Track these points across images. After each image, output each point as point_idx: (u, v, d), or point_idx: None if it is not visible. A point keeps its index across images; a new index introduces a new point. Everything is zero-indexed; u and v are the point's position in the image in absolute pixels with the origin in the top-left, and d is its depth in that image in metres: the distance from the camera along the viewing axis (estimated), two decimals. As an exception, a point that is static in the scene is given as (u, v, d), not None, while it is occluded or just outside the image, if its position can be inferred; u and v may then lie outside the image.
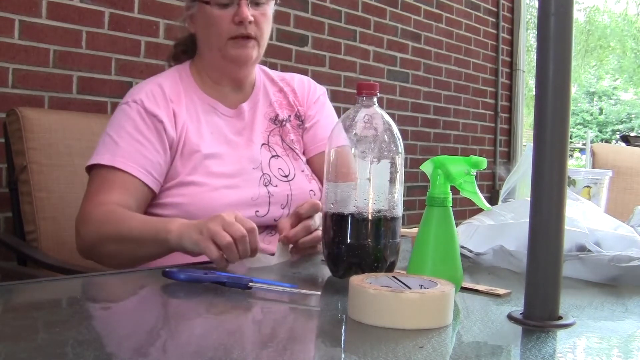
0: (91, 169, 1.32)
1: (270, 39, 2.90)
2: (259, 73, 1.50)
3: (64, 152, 1.75)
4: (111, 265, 1.25)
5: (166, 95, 1.35)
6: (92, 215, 1.24)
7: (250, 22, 1.34)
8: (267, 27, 1.39)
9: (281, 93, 1.49)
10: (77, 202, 1.74)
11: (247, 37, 1.35)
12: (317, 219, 1.14)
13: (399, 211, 0.96)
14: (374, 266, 0.94)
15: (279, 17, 2.91)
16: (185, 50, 1.48)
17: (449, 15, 3.99)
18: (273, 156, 1.41)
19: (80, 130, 1.81)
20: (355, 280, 0.76)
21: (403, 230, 1.09)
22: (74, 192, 1.74)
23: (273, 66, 2.81)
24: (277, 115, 1.46)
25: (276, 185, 1.37)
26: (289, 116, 1.48)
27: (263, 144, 1.41)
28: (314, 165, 1.46)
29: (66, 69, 2.14)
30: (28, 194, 1.70)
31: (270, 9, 1.40)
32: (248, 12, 1.33)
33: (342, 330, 0.75)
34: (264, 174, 1.37)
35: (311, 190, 1.40)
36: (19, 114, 1.72)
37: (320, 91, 1.55)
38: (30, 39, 2.04)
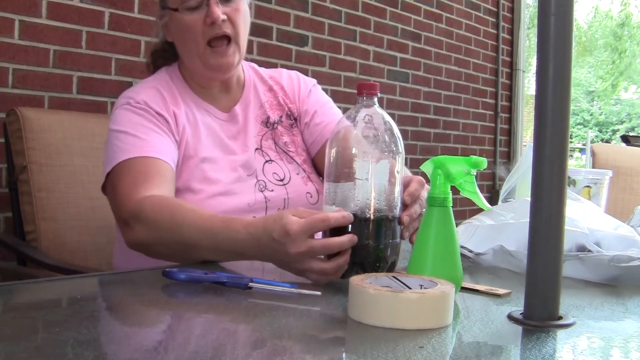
0: (112, 169, 1.25)
1: (270, 39, 2.88)
2: (248, 71, 1.48)
3: (63, 152, 1.75)
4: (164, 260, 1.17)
5: (165, 98, 1.33)
6: (144, 210, 1.13)
7: (223, 21, 1.30)
8: (243, 23, 1.35)
9: (271, 92, 1.48)
10: (77, 202, 1.75)
11: (226, 41, 1.32)
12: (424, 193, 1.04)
13: (396, 212, 0.96)
14: (376, 266, 0.94)
15: (279, 17, 2.91)
16: (163, 56, 1.44)
17: (449, 15, 3.99)
18: (267, 161, 1.39)
19: (80, 130, 1.81)
20: (355, 280, 0.76)
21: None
22: (74, 192, 1.74)
23: (273, 66, 2.80)
24: (268, 118, 1.44)
25: (272, 190, 1.35)
26: (280, 117, 1.46)
27: (256, 149, 1.39)
28: (324, 156, 1.41)
29: (66, 69, 2.14)
30: (28, 194, 1.70)
31: (243, 3, 1.36)
32: (219, 11, 1.29)
33: (342, 330, 0.75)
34: (258, 180, 1.36)
35: (308, 192, 1.39)
36: (19, 114, 1.72)
37: (311, 83, 1.53)
38: (30, 39, 2.04)
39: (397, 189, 0.96)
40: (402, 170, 0.97)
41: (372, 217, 0.93)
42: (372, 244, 0.94)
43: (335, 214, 0.91)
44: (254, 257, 1.00)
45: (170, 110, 1.32)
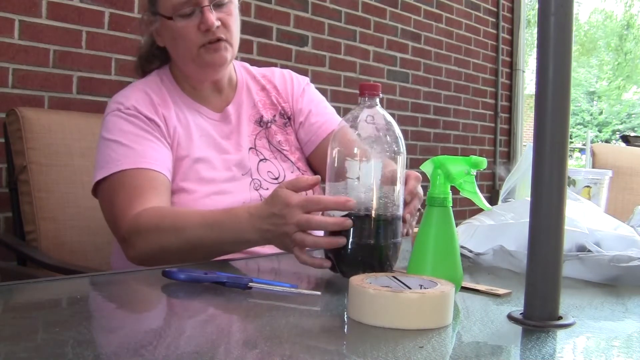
0: (105, 179, 1.26)
1: (270, 39, 2.88)
2: (240, 71, 1.48)
3: (64, 152, 1.75)
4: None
5: (154, 101, 1.33)
6: (141, 224, 1.17)
7: (217, 27, 1.30)
8: (236, 26, 1.36)
9: (264, 92, 1.48)
10: (77, 202, 1.75)
11: (218, 40, 1.32)
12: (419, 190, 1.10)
13: (401, 210, 0.97)
14: (379, 265, 0.94)
15: (279, 17, 2.91)
16: (151, 61, 1.45)
17: (449, 15, 3.99)
18: (261, 160, 1.40)
19: (80, 130, 1.81)
20: (355, 280, 0.76)
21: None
22: (74, 192, 1.74)
23: (273, 66, 2.80)
24: (261, 117, 1.44)
25: (267, 189, 1.36)
26: (274, 116, 1.46)
27: (250, 148, 1.40)
28: (320, 155, 1.42)
29: (66, 69, 2.14)
30: (28, 194, 1.70)
31: (234, 6, 1.36)
32: (213, 18, 1.29)
33: (342, 330, 0.75)
34: (253, 179, 1.36)
35: None
36: (18, 114, 1.72)
37: (304, 82, 1.53)
38: (30, 39, 2.04)
39: (399, 188, 0.96)
40: (403, 170, 0.97)
41: (374, 216, 0.94)
42: (374, 243, 0.94)
43: (331, 197, 0.95)
44: (255, 239, 1.05)
45: (159, 114, 1.32)
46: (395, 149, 0.96)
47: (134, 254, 1.19)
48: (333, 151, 0.97)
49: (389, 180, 0.95)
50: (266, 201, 1.03)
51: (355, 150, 0.95)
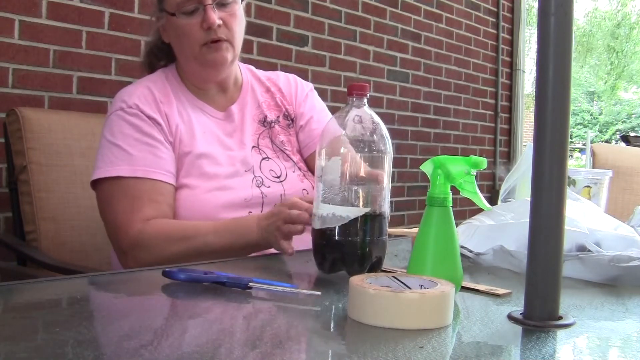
0: (102, 180, 1.29)
1: (270, 39, 2.89)
2: (245, 72, 1.50)
3: (64, 152, 1.75)
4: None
5: (156, 98, 1.35)
6: (144, 239, 1.21)
7: (219, 26, 1.32)
8: (239, 27, 1.38)
9: (268, 93, 1.50)
10: (77, 202, 1.75)
11: (219, 41, 1.34)
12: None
13: (387, 209, 0.98)
14: (361, 262, 0.95)
15: (279, 17, 2.91)
16: (158, 56, 1.46)
17: (449, 15, 3.99)
18: (264, 158, 1.41)
19: (80, 130, 1.81)
20: (355, 280, 0.77)
21: (403, 230, 1.09)
22: (74, 192, 1.74)
23: (273, 66, 2.81)
24: (265, 117, 1.46)
25: (269, 186, 1.37)
26: (277, 117, 1.48)
27: (253, 147, 1.41)
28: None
29: (66, 69, 2.14)
30: (28, 194, 1.70)
31: (239, 7, 1.38)
32: (215, 17, 1.31)
33: (342, 330, 0.75)
34: (255, 176, 1.37)
35: (304, 189, 1.40)
36: (19, 114, 1.72)
37: (308, 87, 1.55)
38: (30, 39, 2.04)
39: (383, 187, 0.97)
40: (389, 170, 0.98)
41: (361, 214, 0.95)
42: (357, 240, 0.95)
43: (304, 204, 1.08)
44: (256, 240, 1.16)
45: (162, 111, 1.34)
46: (382, 148, 0.97)
47: (134, 265, 1.22)
48: (321, 151, 0.99)
49: (355, 178, 0.96)
50: (272, 209, 1.14)
51: (324, 149, 0.97)
